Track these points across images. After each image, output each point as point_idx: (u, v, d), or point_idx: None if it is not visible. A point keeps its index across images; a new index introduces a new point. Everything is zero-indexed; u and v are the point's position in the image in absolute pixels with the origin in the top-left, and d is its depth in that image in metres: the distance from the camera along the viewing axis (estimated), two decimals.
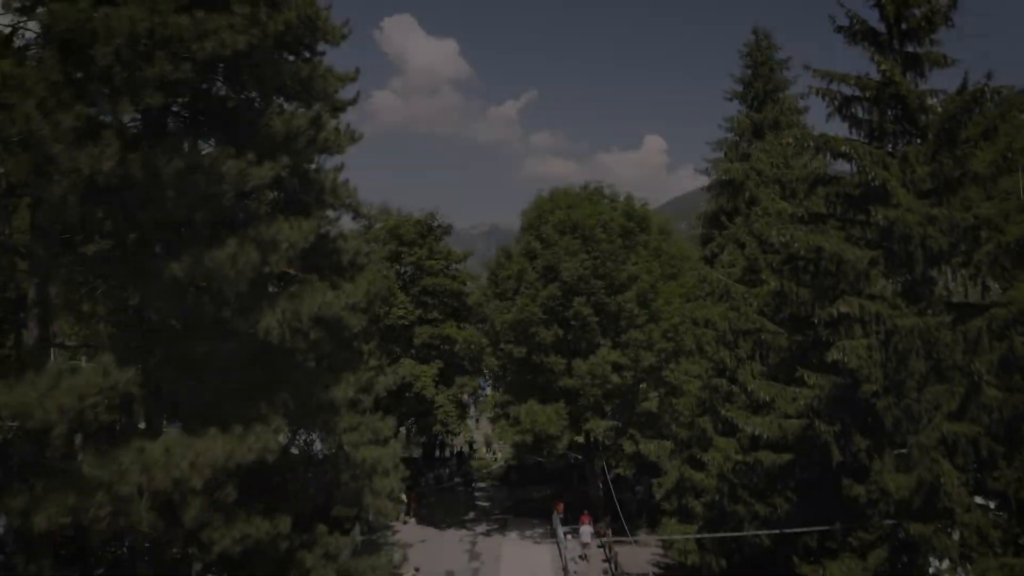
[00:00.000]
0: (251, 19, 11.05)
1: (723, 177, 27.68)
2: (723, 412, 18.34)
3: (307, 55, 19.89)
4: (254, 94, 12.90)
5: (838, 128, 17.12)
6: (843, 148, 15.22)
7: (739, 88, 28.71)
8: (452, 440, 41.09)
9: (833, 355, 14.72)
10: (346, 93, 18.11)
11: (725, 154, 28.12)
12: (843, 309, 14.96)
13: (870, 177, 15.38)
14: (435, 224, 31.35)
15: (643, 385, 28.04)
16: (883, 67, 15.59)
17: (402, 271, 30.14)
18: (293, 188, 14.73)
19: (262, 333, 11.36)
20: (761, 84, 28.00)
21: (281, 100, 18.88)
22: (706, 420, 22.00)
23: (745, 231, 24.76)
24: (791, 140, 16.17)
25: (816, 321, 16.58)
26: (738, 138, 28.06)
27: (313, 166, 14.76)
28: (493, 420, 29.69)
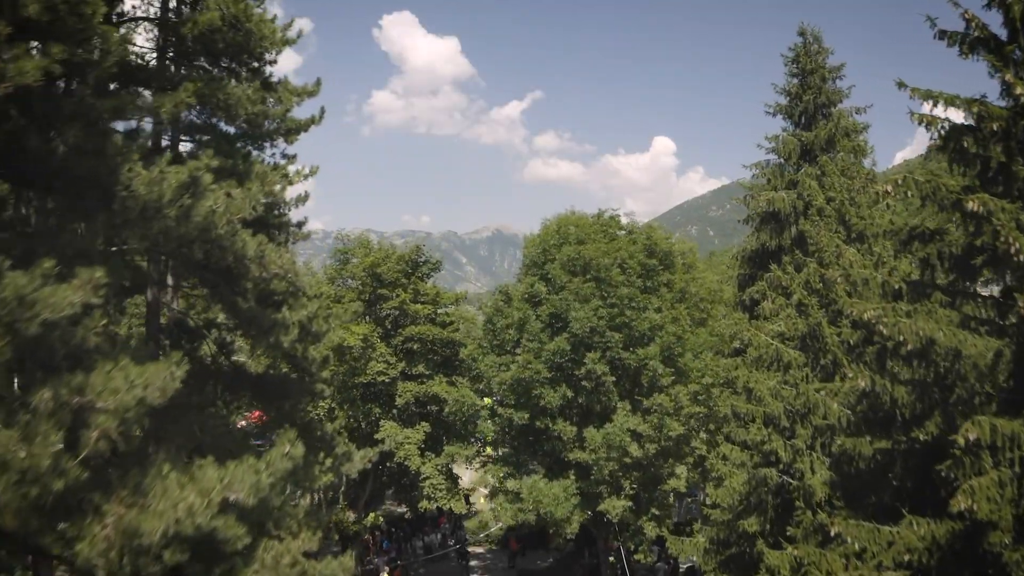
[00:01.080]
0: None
1: (766, 208, 23.47)
2: (789, 551, 14.12)
3: (239, 67, 15.93)
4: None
5: (904, 153, 13.06)
6: (972, 205, 11.03)
7: (783, 100, 24.50)
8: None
9: (959, 503, 10.59)
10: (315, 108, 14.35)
11: (768, 180, 23.90)
12: (971, 435, 10.79)
13: (1002, 240, 11.24)
14: (421, 260, 27.28)
15: (669, 460, 23.91)
16: (1018, 90, 11.45)
17: (384, 315, 26.07)
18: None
19: None
20: (811, 96, 23.79)
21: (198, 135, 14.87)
22: (752, 522, 17.96)
23: (798, 283, 20.60)
24: (889, 188, 12.00)
25: (921, 438, 12.42)
26: (783, 161, 23.84)
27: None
28: (491, 495, 25.60)
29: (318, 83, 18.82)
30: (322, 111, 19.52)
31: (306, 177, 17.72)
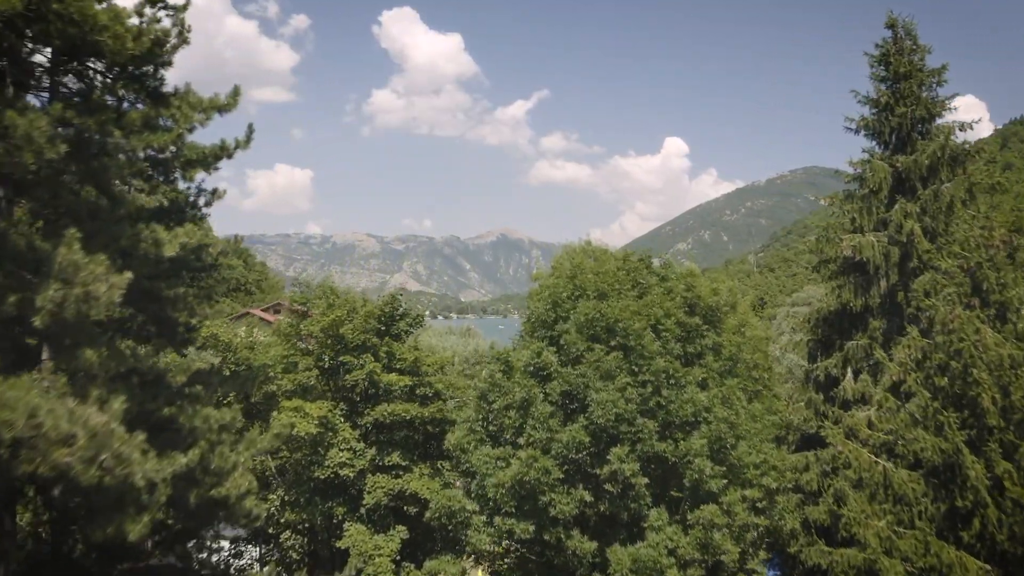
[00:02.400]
0: None
1: (849, 255, 18.16)
2: None
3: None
4: None
5: None
6: None
7: (869, 113, 19.20)
8: None
9: None
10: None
11: (853, 219, 18.55)
12: None
13: None
14: (397, 314, 22.03)
15: None
16: None
17: (349, 387, 20.81)
18: None
19: None
20: (907, 109, 18.49)
21: None
22: None
23: (907, 366, 15.28)
24: None
25: None
26: (871, 193, 18.49)
27: None
28: None
29: (236, 93, 13.80)
30: (249, 132, 14.46)
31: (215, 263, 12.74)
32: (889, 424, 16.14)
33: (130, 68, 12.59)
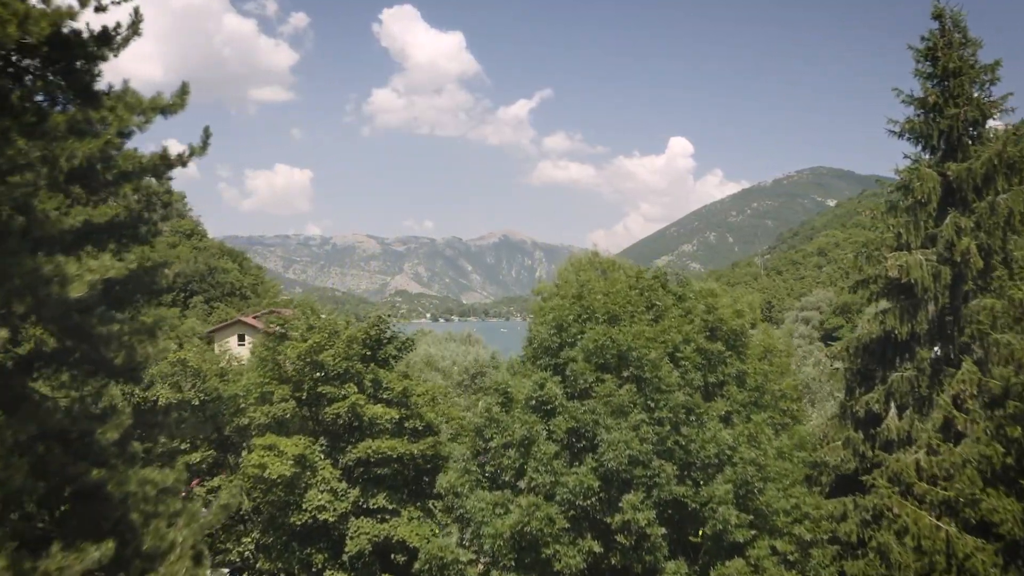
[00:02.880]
0: None
1: (895, 276, 16.14)
2: None
3: None
4: None
5: None
6: None
7: (916, 115, 17.18)
8: None
9: None
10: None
11: (899, 234, 16.49)
12: None
13: None
14: (385, 338, 20.04)
15: None
16: None
17: (329, 421, 18.82)
18: None
19: None
20: (958, 110, 16.48)
21: None
22: None
23: (979, 414, 13.27)
24: None
25: None
26: (919, 205, 16.46)
27: None
28: None
29: (184, 91, 11.92)
30: (205, 136, 12.56)
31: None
32: (942, 466, 14.18)
33: (57, 63, 10.72)
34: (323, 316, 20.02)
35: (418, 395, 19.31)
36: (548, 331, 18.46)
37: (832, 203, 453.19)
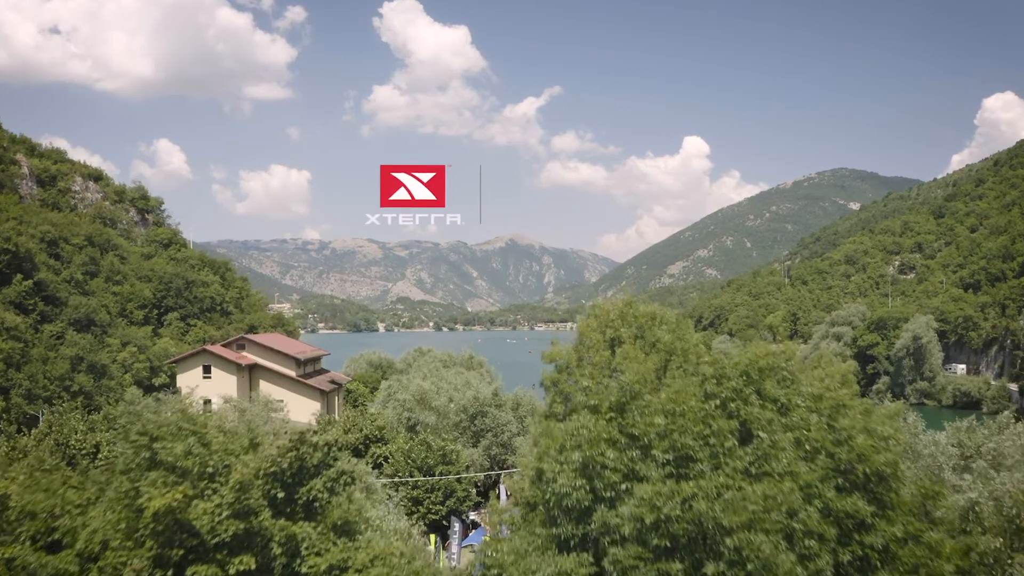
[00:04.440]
0: None
1: None
2: None
3: None
4: None
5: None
6: None
7: None
8: None
9: None
10: None
11: None
12: None
13: None
14: (311, 466, 12.86)
15: None
16: None
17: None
18: None
19: None
20: None
21: None
22: None
23: None
24: None
25: None
26: None
27: None
28: None
29: None
30: None
31: None
32: None
33: None
34: (218, 429, 12.96)
35: (360, 570, 12.17)
36: (569, 475, 11.35)
37: (856, 206, 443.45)
